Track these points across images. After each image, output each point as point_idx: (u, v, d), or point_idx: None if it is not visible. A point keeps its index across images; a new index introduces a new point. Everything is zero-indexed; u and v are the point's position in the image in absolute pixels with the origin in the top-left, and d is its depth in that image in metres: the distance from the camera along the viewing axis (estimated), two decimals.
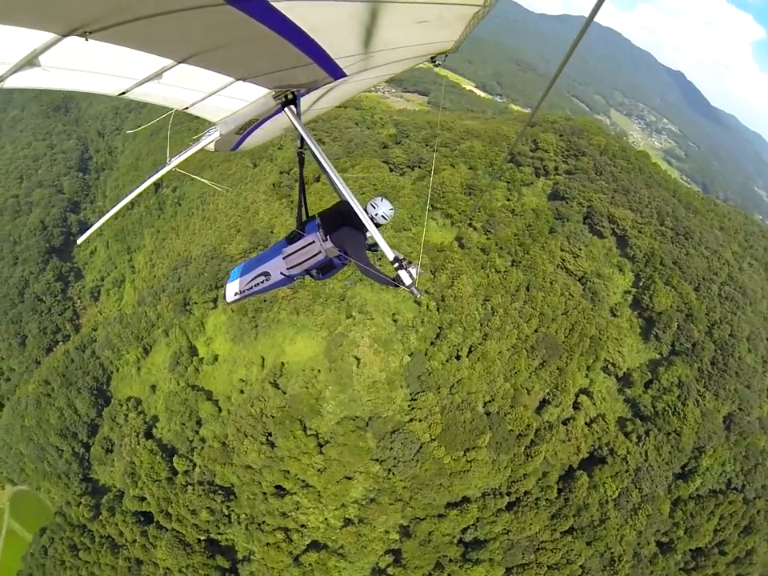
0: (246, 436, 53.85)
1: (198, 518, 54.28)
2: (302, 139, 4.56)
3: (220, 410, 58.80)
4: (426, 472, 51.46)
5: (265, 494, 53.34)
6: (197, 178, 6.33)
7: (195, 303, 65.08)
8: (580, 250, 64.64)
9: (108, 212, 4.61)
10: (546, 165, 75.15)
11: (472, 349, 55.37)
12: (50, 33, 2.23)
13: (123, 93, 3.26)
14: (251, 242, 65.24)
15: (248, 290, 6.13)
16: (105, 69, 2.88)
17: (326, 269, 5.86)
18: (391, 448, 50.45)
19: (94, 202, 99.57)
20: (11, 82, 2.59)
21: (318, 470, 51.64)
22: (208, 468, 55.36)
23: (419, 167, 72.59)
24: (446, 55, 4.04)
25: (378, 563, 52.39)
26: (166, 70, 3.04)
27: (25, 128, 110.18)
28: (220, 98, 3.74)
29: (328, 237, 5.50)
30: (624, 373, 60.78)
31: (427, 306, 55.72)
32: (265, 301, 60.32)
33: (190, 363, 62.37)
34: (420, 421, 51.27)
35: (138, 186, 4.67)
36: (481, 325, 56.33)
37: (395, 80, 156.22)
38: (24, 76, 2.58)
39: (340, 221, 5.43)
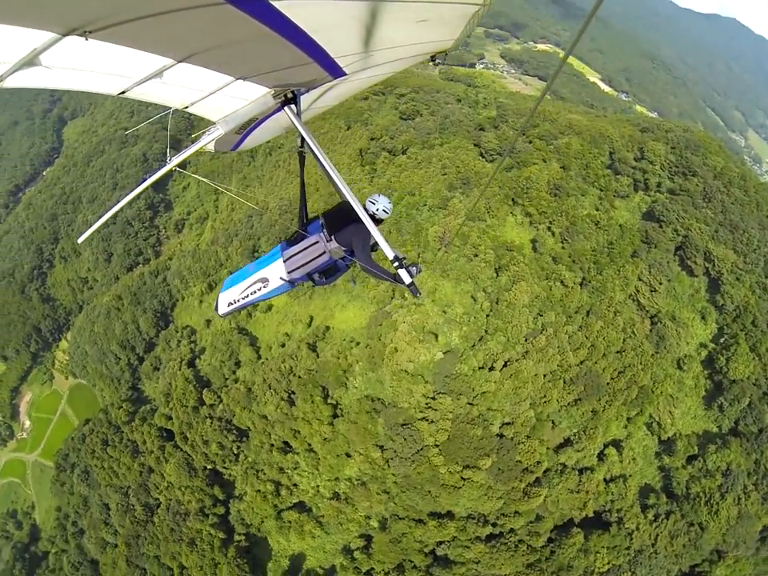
0: (270, 388, 57.46)
1: (208, 448, 59.81)
2: (303, 138, 4.60)
3: (259, 357, 62.93)
4: (418, 475, 51.22)
5: (272, 445, 57.06)
6: (197, 177, 6.71)
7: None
8: (660, 283, 57.45)
9: (107, 212, 5.00)
10: (647, 178, 66.91)
11: (507, 363, 52.94)
12: (50, 32, 2.23)
13: (123, 92, 3.33)
14: (327, 202, 67.64)
15: (243, 298, 5.83)
16: (105, 68, 2.92)
17: (329, 272, 5.72)
18: (394, 440, 50.66)
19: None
20: (11, 82, 2.61)
21: (324, 439, 53.78)
22: (230, 408, 60.24)
23: (510, 157, 68.74)
24: (446, 54, 3.99)
25: (349, 543, 53.90)
26: (166, 69, 3.06)
27: None
28: (220, 96, 3.81)
29: (333, 237, 5.50)
30: (669, 437, 54.68)
31: (481, 306, 53.55)
32: None
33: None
34: (430, 422, 50.66)
35: (136, 187, 4.96)
36: (525, 340, 53.29)
37: (516, 60, 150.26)
38: (24, 75, 2.59)
39: (345, 220, 5.40)
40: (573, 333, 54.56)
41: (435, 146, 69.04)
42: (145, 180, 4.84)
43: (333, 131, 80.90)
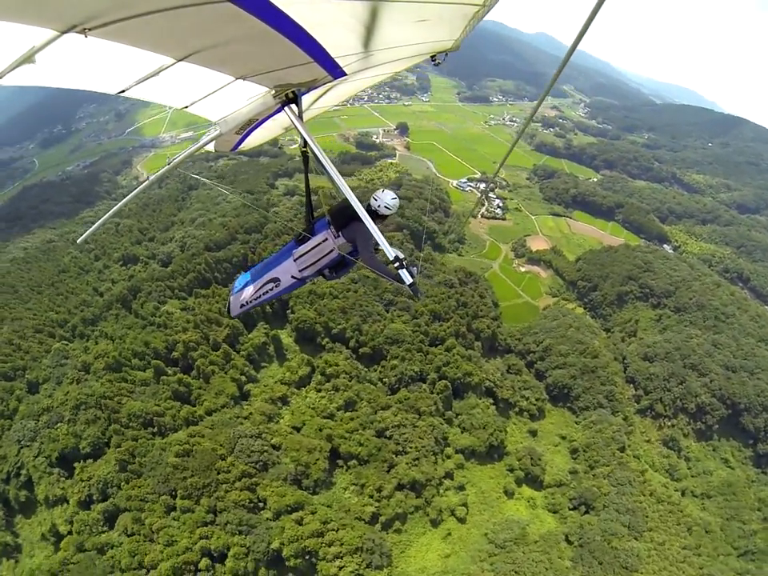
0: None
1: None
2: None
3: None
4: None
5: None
6: (200, 178, 6.70)
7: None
8: None
9: (110, 211, 4.99)
10: None
11: None
12: (49, 29, 2.21)
13: (122, 91, 3.29)
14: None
15: (256, 299, 6.01)
16: (104, 67, 2.89)
17: (338, 267, 5.88)
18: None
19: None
20: (9, 80, 2.57)
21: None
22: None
23: None
24: (446, 54, 3.94)
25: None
26: (165, 68, 3.04)
27: None
28: (220, 96, 3.78)
29: (340, 233, 5.57)
30: None
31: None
32: None
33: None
34: None
35: (139, 185, 4.94)
36: None
37: None
38: (22, 73, 2.53)
39: (350, 215, 5.41)
40: None
41: None
42: (147, 179, 4.84)
43: None
